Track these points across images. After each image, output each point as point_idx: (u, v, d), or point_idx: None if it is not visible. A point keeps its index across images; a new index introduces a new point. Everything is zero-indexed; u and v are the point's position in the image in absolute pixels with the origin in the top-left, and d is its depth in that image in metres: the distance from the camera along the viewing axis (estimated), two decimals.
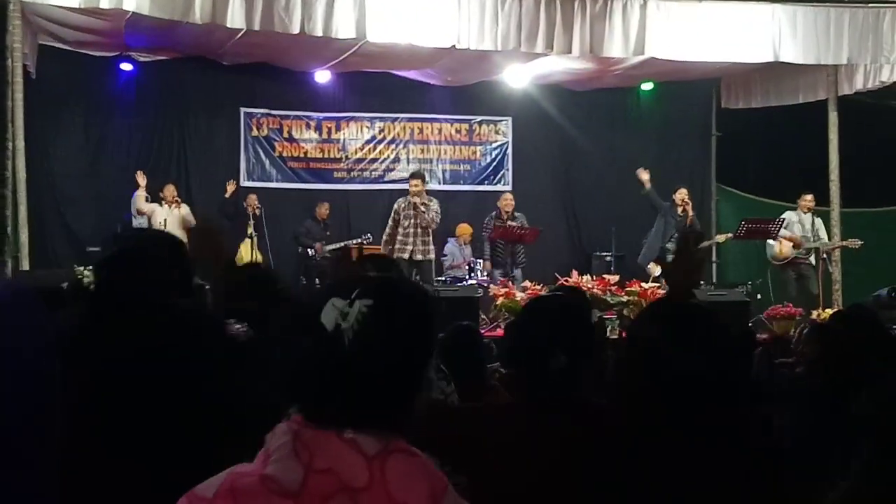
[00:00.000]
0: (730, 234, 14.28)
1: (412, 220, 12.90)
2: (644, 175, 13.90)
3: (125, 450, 2.34)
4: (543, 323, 2.94)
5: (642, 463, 2.35)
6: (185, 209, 13.62)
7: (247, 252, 13.99)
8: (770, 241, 13.56)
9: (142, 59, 14.28)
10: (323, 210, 14.73)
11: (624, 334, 5.79)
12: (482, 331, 8.38)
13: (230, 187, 14.39)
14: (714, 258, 16.07)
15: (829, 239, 13.57)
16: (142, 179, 13.63)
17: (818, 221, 13.58)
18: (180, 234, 13.21)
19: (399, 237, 12.97)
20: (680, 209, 13.56)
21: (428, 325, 1.79)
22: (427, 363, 1.79)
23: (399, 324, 1.72)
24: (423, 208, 12.86)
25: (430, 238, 13.13)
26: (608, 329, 9.76)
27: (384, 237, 13.26)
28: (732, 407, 2.50)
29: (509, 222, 13.76)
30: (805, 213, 13.57)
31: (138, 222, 13.66)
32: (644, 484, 2.34)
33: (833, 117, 13.65)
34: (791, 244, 13.41)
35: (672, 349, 2.39)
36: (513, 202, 13.92)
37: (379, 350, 1.68)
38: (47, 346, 2.48)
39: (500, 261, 13.83)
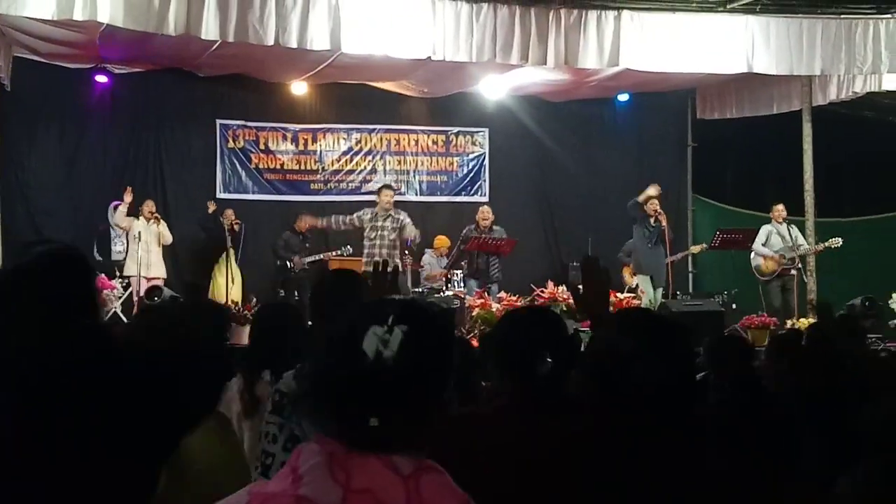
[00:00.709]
0: (704, 245, 14.37)
1: (379, 233, 12.88)
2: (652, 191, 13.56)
3: None
4: (526, 330, 3.00)
5: (640, 464, 2.36)
6: (163, 226, 13.47)
7: (223, 266, 13.90)
8: (755, 256, 13.59)
9: (117, 71, 14.25)
10: (302, 223, 14.65)
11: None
12: None
13: (211, 206, 14.25)
14: (690, 268, 16.13)
15: (808, 244, 13.61)
16: (128, 196, 13.44)
17: (793, 228, 13.63)
18: (156, 250, 13.16)
19: (366, 248, 12.94)
20: (652, 219, 13.52)
21: (453, 344, 1.85)
22: (452, 382, 1.83)
23: (432, 347, 1.77)
24: (408, 229, 12.91)
25: (397, 251, 13.06)
26: (582, 342, 9.73)
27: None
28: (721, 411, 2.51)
29: (485, 235, 13.68)
30: (780, 223, 13.64)
31: (116, 234, 13.63)
32: (641, 485, 2.35)
33: (807, 128, 13.72)
34: (774, 263, 13.45)
35: (640, 359, 2.40)
36: (491, 215, 13.80)
37: (417, 374, 1.72)
38: None
39: (475, 272, 13.71)
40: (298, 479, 1.68)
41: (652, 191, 13.33)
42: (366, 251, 12.93)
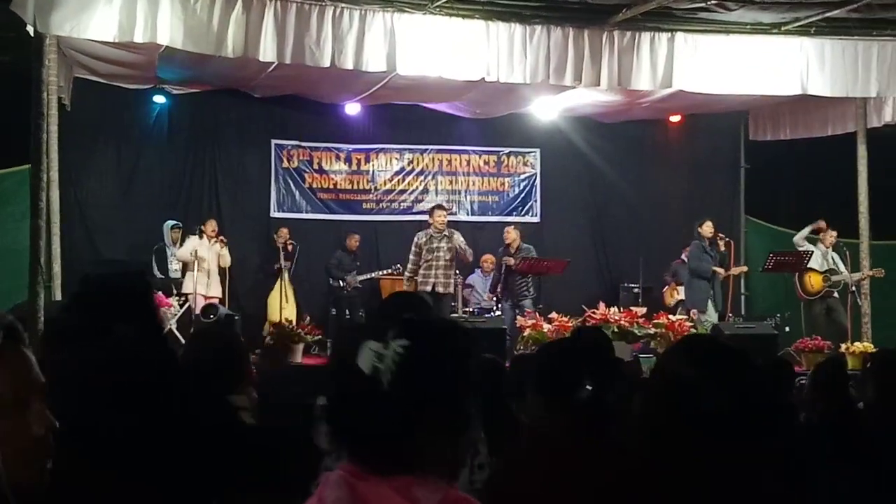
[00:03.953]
0: (744, 268, 14.41)
1: (434, 254, 12.94)
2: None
3: None
4: (567, 355, 3.02)
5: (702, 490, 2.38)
6: (224, 248, 13.48)
7: (277, 286, 14.01)
8: (801, 278, 13.56)
9: (174, 91, 14.46)
10: (353, 241, 14.76)
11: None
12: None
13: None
14: (743, 290, 16.02)
15: (851, 271, 13.51)
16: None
17: (835, 255, 13.59)
18: (215, 270, 13.28)
19: (421, 270, 13.00)
20: (708, 242, 13.52)
21: (465, 361, 1.75)
22: (468, 401, 1.74)
23: (436, 363, 1.69)
24: (457, 241, 12.95)
25: (452, 272, 13.16)
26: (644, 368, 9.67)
27: (408, 272, 13.26)
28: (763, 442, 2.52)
29: (517, 255, 13.68)
30: (828, 247, 13.60)
31: (172, 252, 13.77)
32: None
33: (861, 149, 13.57)
34: (821, 278, 13.41)
35: (704, 386, 2.42)
36: (516, 237, 13.85)
37: (418, 390, 1.65)
38: None
39: (511, 292, 13.69)
40: None
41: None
42: (422, 272, 12.98)
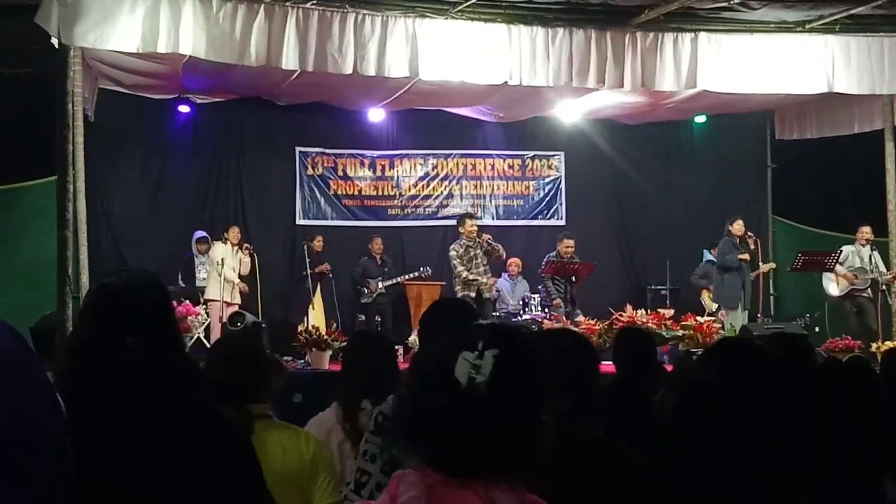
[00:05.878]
0: (773, 264, 14.27)
1: (474, 262, 13.12)
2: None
3: None
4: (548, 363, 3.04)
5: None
6: (246, 256, 13.62)
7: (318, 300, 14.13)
8: (826, 277, 13.46)
9: (199, 100, 14.51)
10: (375, 245, 14.74)
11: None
12: None
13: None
14: (771, 291, 15.91)
15: (888, 270, 13.40)
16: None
17: (875, 254, 13.46)
18: (235, 277, 13.34)
19: (462, 276, 13.23)
20: (739, 239, 13.43)
21: (545, 366, 1.82)
22: (548, 404, 1.79)
23: (524, 370, 1.75)
24: (486, 245, 13.15)
25: (489, 276, 13.39)
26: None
27: (464, 276, 13.39)
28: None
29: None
30: (863, 245, 13.46)
31: (200, 261, 13.88)
32: None
33: (889, 147, 13.48)
34: (846, 280, 13.30)
35: (727, 394, 2.39)
36: (573, 248, 13.96)
37: (512, 398, 1.71)
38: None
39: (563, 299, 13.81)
40: None
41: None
42: (462, 278, 13.22)
